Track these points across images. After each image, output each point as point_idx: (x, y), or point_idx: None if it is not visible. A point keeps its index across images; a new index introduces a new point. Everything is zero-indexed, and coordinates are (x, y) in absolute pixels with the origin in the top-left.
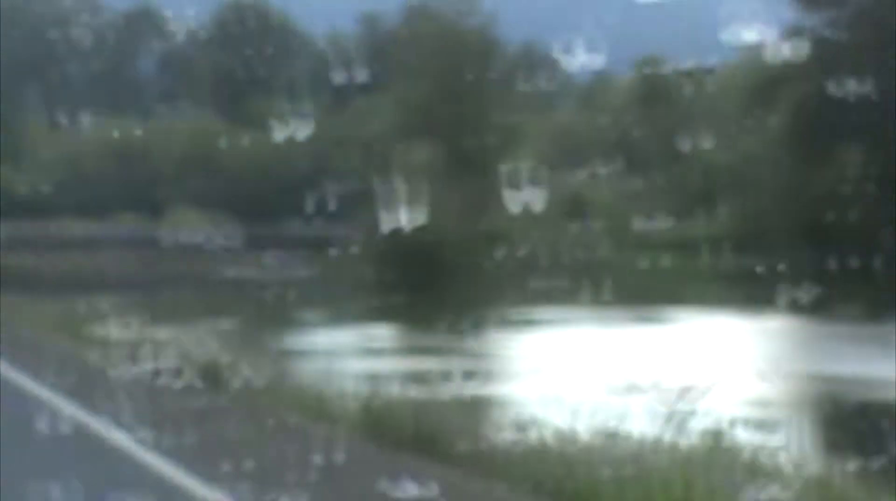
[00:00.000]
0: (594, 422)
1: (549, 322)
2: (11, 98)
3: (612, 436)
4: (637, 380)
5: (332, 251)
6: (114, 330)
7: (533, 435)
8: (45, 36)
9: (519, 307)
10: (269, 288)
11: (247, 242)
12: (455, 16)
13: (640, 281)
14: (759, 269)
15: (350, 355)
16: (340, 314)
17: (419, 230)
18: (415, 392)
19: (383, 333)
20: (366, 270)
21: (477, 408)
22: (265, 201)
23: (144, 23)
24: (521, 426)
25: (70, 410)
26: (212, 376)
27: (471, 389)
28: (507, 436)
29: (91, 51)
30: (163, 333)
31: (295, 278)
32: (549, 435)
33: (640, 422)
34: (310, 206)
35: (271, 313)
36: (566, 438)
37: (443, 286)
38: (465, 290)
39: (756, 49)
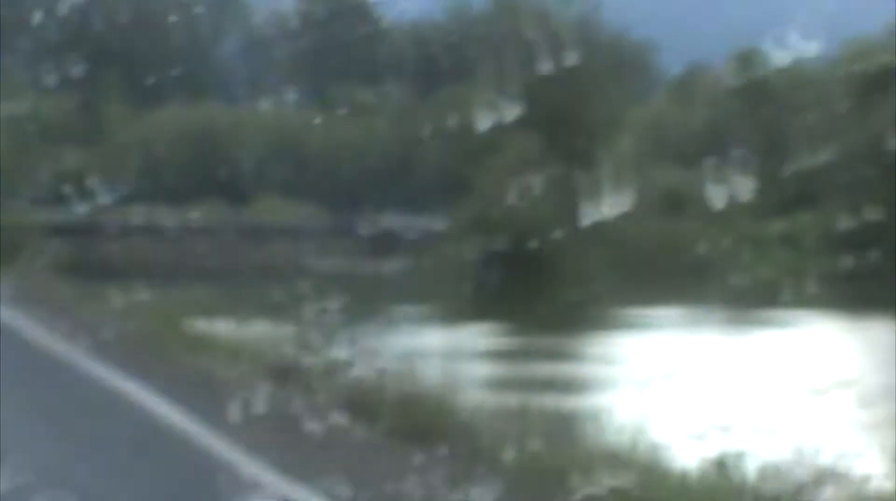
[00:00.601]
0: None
1: (665, 324)
2: (94, 83)
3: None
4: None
5: (425, 241)
6: (222, 328)
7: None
8: (130, 20)
9: (626, 306)
10: (371, 280)
11: (336, 231)
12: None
13: (744, 279)
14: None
15: (499, 362)
16: (451, 311)
17: (516, 222)
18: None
19: (506, 334)
20: (461, 262)
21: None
22: (351, 189)
23: (228, 7)
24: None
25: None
26: (407, 418)
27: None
28: None
29: (175, 36)
30: (274, 332)
31: (391, 270)
32: None
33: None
34: (398, 194)
35: (382, 309)
36: None
37: (546, 282)
38: (569, 287)
39: (861, 43)
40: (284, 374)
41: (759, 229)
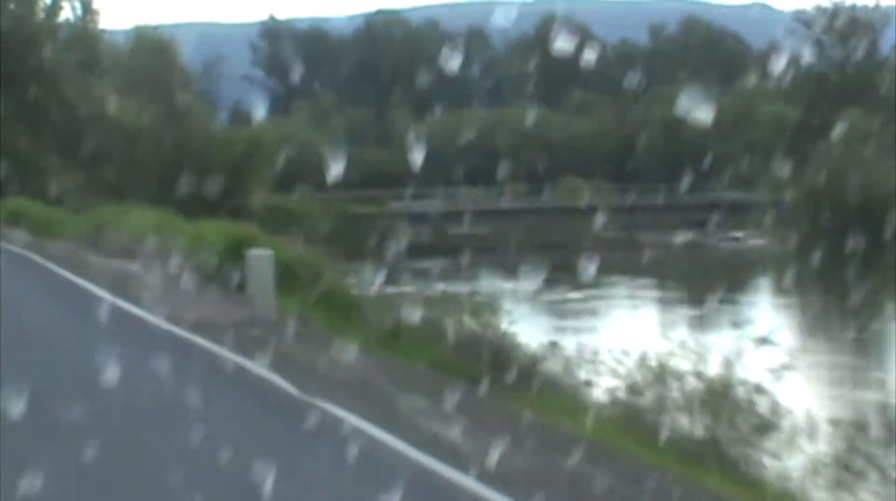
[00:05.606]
0: None
1: None
2: (385, 99)
3: None
4: None
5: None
6: None
7: None
8: (407, 52)
9: None
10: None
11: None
12: None
13: None
14: None
15: None
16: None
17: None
18: None
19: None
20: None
21: None
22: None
23: (474, 38)
24: None
25: None
26: None
27: None
28: None
29: (438, 61)
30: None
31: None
32: None
33: None
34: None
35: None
36: None
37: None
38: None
39: None
40: None
41: None
